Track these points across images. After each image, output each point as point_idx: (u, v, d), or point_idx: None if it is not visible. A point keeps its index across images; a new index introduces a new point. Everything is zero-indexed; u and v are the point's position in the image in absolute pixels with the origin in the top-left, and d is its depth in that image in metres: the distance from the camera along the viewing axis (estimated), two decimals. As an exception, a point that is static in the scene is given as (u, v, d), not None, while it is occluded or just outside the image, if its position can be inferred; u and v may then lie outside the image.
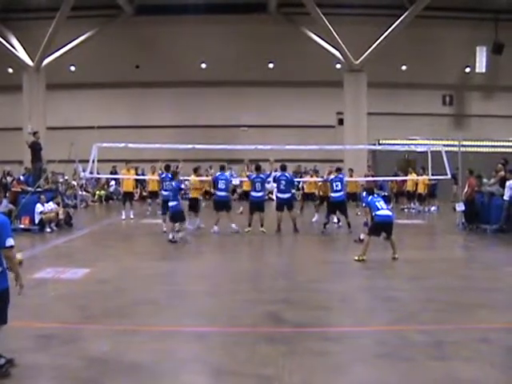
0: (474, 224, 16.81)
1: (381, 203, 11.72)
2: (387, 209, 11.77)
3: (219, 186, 16.26)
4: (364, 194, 12.77)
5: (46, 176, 19.43)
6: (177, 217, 14.21)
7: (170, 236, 13.86)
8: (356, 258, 11.44)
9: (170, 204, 14.31)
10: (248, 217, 16.25)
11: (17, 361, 5.48)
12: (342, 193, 16.26)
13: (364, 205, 12.31)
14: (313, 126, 32.50)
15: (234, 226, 16.07)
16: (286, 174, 16.40)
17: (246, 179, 19.07)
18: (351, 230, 15.92)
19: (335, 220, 17.75)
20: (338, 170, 16.82)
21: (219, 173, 16.70)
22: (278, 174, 16.49)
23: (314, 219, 18.64)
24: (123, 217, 19.95)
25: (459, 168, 18.84)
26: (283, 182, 16.29)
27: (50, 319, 7.18)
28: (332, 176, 16.63)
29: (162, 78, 32.13)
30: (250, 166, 17.84)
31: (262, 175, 16.60)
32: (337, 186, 16.12)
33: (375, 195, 12.33)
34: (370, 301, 8.71)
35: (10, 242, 5.26)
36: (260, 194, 16.36)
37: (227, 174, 16.84)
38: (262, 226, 15.93)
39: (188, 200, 17.24)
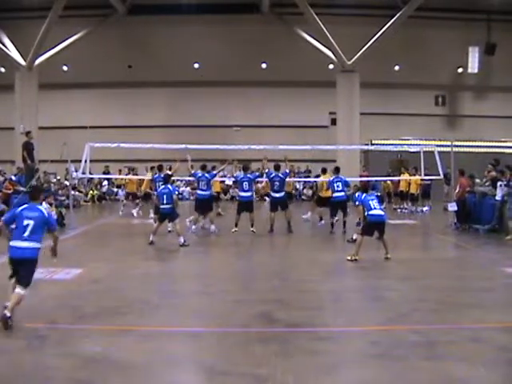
0: (467, 224, 16.88)
1: (374, 202, 11.72)
2: (380, 208, 11.79)
3: (201, 185, 16.25)
4: (357, 193, 12.76)
5: (38, 176, 19.39)
6: (169, 216, 14.18)
7: (181, 240, 13.72)
8: (349, 257, 11.47)
9: (163, 207, 14.04)
10: (235, 217, 16.23)
11: (10, 361, 5.46)
12: (343, 193, 16.29)
13: (357, 203, 12.24)
14: (306, 126, 32.55)
15: (194, 227, 16.15)
16: (280, 174, 16.40)
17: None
18: (345, 229, 15.98)
19: (335, 219, 17.78)
20: (337, 169, 16.82)
21: (200, 173, 16.49)
22: (272, 174, 16.47)
23: (304, 216, 18.74)
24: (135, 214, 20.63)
25: (451, 168, 18.92)
26: (277, 183, 16.32)
27: (42, 319, 7.15)
28: (332, 177, 16.70)
29: (155, 78, 32.11)
30: (237, 165, 17.85)
31: (249, 175, 16.66)
32: (338, 186, 16.16)
33: (369, 193, 12.28)
34: (363, 301, 8.73)
35: None
36: (248, 194, 16.36)
37: (207, 174, 16.70)
38: (252, 226, 15.93)
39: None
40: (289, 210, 16.72)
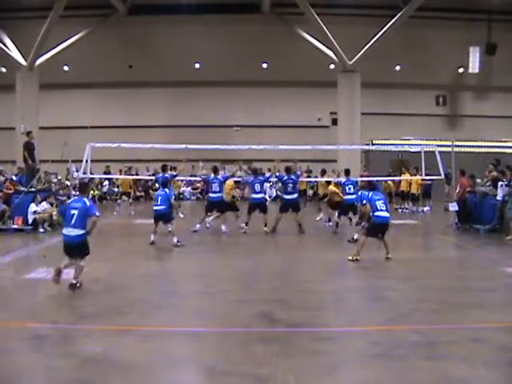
0: (467, 224, 16.86)
1: (380, 203, 11.57)
2: (386, 210, 11.65)
3: (213, 188, 16.34)
4: (360, 192, 12.68)
5: (39, 176, 19.39)
6: (163, 218, 14.15)
7: (175, 240, 13.70)
8: (350, 257, 11.45)
9: (157, 208, 14.03)
10: (246, 217, 16.33)
11: (10, 361, 5.46)
12: (354, 195, 16.11)
13: (364, 201, 12.04)
14: (306, 126, 32.53)
15: (198, 226, 16.14)
16: (293, 176, 16.43)
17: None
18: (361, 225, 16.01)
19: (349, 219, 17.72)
20: (347, 172, 16.76)
21: (212, 175, 16.61)
22: (285, 176, 16.48)
23: (318, 218, 19.19)
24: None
25: (452, 168, 18.89)
26: (290, 185, 16.32)
27: (42, 319, 7.15)
28: (343, 179, 16.69)
29: (156, 78, 32.09)
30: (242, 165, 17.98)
31: (260, 177, 16.90)
32: (349, 188, 16.08)
33: (375, 192, 12.15)
34: (364, 301, 8.73)
35: None
36: (260, 195, 16.61)
37: (219, 177, 16.71)
38: (265, 225, 16.02)
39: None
40: (299, 212, 16.64)
